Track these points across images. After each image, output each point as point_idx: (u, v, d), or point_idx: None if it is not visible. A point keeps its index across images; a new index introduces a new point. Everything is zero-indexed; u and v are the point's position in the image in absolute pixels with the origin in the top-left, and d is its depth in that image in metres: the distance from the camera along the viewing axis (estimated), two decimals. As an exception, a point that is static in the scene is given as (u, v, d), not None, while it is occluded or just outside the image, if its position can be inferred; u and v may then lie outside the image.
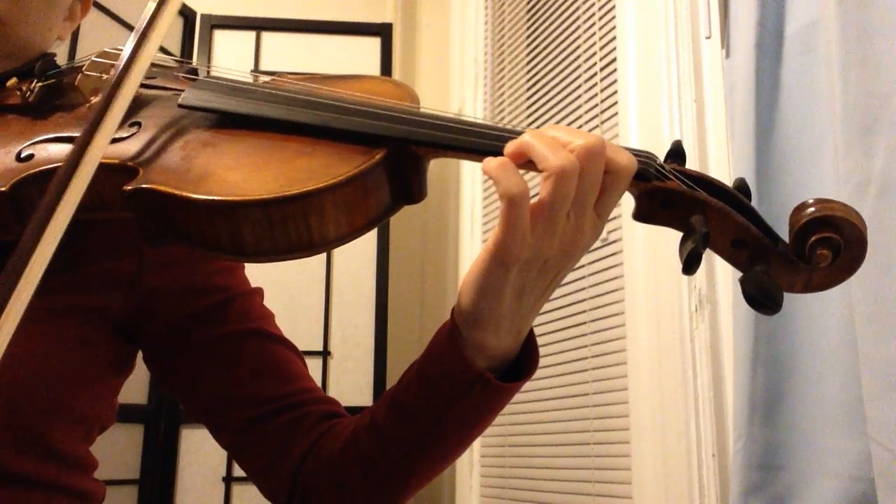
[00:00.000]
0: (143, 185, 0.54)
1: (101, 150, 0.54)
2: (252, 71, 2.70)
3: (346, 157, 0.54)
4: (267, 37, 2.65)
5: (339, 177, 0.52)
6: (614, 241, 1.70)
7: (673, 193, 0.54)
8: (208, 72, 0.74)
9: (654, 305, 1.52)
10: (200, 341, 0.71)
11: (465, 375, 0.57)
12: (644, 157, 0.55)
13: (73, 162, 0.52)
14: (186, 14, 2.55)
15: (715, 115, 1.45)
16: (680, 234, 0.54)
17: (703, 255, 0.52)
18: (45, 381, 0.63)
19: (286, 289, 2.41)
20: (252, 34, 2.64)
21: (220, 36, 2.62)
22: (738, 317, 1.22)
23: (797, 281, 0.54)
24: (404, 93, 0.63)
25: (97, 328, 0.68)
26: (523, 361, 0.60)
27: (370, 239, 2.42)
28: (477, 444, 2.21)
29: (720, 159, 1.42)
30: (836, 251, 0.52)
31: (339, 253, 2.40)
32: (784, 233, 0.55)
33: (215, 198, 0.52)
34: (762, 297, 0.51)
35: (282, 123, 0.58)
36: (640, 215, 0.56)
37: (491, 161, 0.51)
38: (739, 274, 0.54)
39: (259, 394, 0.70)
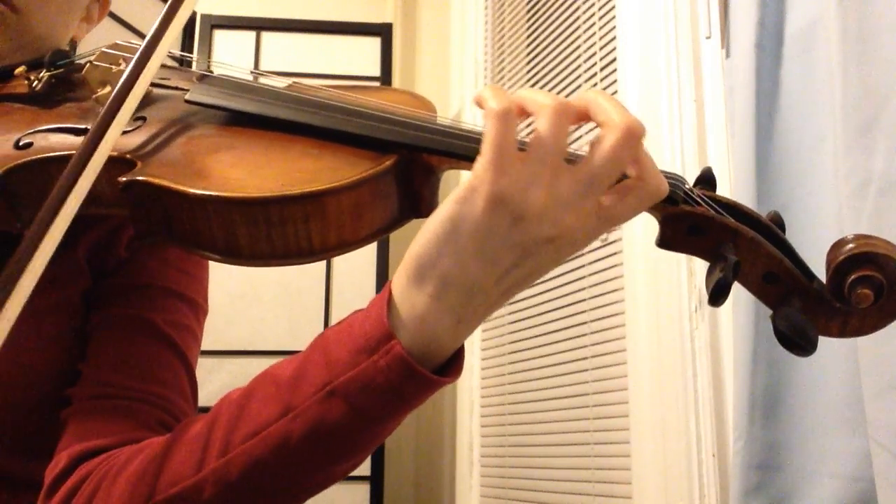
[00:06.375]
0: (139, 178, 0.53)
1: (111, 144, 0.53)
2: (252, 70, 2.69)
3: (353, 162, 0.52)
4: (267, 37, 2.65)
5: (344, 180, 0.49)
6: (614, 241, 1.70)
7: (702, 219, 0.50)
8: (208, 65, 0.74)
9: (654, 305, 1.52)
10: (108, 314, 0.67)
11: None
12: (672, 179, 0.49)
13: (85, 155, 0.51)
14: (186, 14, 2.55)
15: (715, 115, 1.45)
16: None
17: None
18: (32, 381, 0.62)
19: (286, 289, 2.41)
20: (252, 34, 2.64)
21: (220, 36, 2.62)
22: (738, 317, 1.22)
23: (833, 324, 0.50)
24: (421, 104, 0.60)
25: (82, 319, 0.67)
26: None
27: (370, 239, 2.43)
28: (477, 444, 2.21)
29: (720, 159, 1.42)
30: (878, 291, 0.48)
31: (339, 253, 2.41)
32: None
33: (211, 193, 0.50)
34: (797, 336, 0.48)
35: (289, 124, 0.56)
36: (665, 241, 0.51)
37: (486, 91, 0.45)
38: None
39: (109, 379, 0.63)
